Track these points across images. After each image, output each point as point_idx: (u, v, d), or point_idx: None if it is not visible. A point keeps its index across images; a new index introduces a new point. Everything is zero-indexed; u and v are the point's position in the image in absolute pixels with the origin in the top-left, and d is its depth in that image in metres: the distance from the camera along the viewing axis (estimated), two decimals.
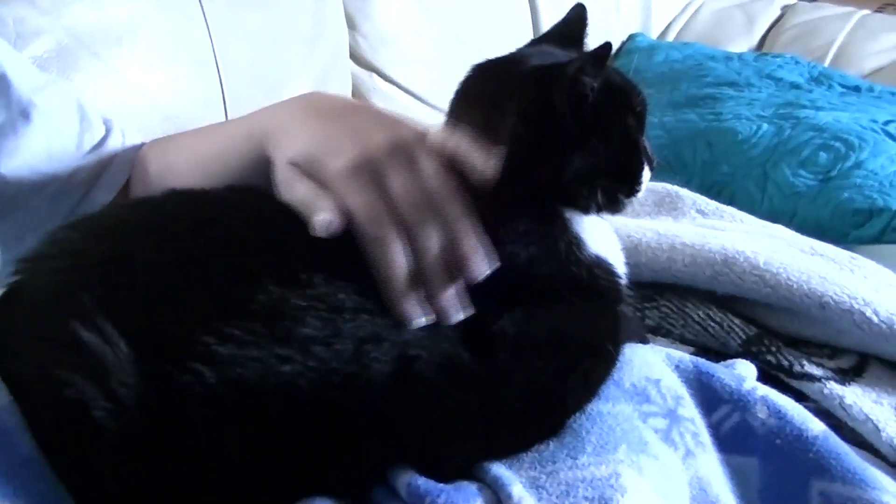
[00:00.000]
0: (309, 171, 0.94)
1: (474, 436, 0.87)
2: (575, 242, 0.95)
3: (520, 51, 1.06)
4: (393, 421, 0.83)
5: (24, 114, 1.17)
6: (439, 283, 0.87)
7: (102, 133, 1.27)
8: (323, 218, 0.87)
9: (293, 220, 0.91)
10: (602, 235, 0.99)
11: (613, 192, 0.98)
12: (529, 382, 0.88)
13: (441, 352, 0.85)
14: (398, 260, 0.87)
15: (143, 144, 1.27)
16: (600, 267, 0.96)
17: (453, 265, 0.88)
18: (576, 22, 1.10)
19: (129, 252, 0.86)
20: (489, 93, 1.00)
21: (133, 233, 0.89)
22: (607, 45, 0.93)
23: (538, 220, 0.94)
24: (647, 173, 1.01)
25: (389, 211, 0.89)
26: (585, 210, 0.97)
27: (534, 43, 1.11)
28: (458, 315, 0.86)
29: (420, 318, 0.85)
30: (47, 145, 1.20)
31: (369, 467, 0.85)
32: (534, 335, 0.89)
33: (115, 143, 1.26)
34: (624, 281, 1.01)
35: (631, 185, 0.99)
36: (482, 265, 0.88)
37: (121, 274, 0.84)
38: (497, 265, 0.88)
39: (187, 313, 0.81)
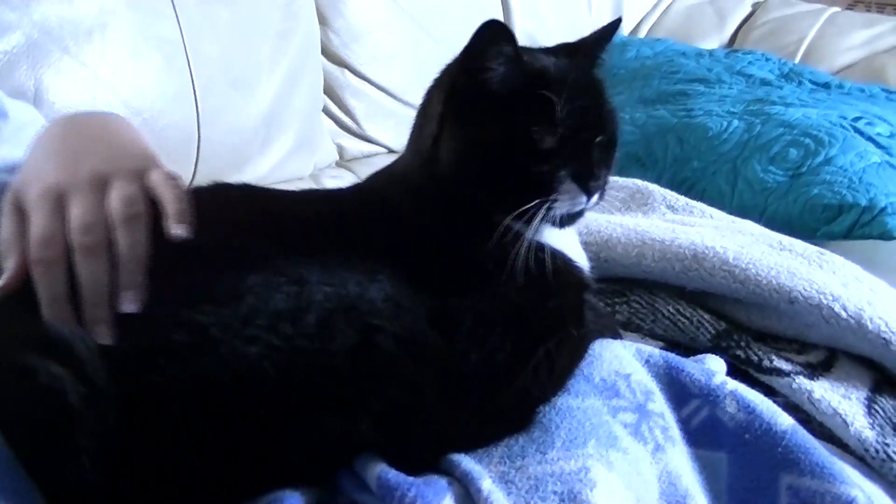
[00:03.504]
0: (19, 199, 0.93)
1: (434, 417, 0.87)
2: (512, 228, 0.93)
3: None
4: (353, 399, 0.83)
5: (2, 115, 1.18)
6: (93, 309, 0.85)
7: None
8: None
9: (243, 211, 0.92)
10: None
11: (520, 205, 0.92)
12: (485, 361, 0.88)
13: (403, 325, 0.85)
14: (53, 283, 0.86)
15: None
16: (542, 250, 0.95)
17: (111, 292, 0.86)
18: (602, 34, 1.06)
19: None
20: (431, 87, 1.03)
21: None
22: (492, 23, 0.91)
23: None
24: (570, 192, 0.94)
25: (59, 236, 0.88)
26: (490, 213, 0.93)
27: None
28: (106, 340, 0.83)
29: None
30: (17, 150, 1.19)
31: (332, 450, 0.85)
32: (488, 313, 0.89)
33: None
34: (580, 266, 1.01)
35: (534, 203, 0.92)
36: (131, 300, 0.85)
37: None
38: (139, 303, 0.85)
39: (144, 305, 0.82)
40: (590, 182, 0.94)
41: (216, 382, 0.80)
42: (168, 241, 0.86)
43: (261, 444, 0.82)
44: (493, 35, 0.91)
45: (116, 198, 0.90)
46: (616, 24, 1.05)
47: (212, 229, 0.88)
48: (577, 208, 0.95)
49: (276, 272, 0.84)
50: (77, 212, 0.89)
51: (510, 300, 0.91)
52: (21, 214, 0.91)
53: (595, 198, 0.96)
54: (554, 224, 0.95)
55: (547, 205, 0.92)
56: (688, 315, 1.19)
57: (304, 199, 1.02)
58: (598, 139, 0.96)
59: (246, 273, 0.83)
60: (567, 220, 0.97)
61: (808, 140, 1.98)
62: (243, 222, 0.90)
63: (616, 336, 1.09)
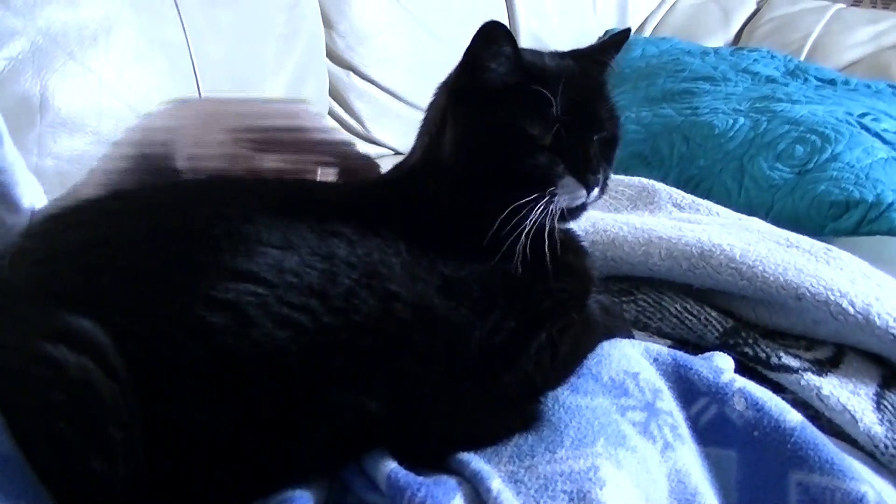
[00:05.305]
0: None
1: (440, 397, 0.88)
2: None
3: None
4: (366, 372, 0.84)
5: None
6: None
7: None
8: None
9: (267, 193, 0.93)
10: None
11: (520, 192, 0.93)
12: (487, 337, 0.89)
13: (416, 292, 0.87)
14: None
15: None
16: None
17: None
18: (611, 42, 1.06)
19: (107, 236, 0.87)
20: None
21: (110, 218, 0.90)
22: (490, 24, 0.93)
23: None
24: (569, 182, 0.95)
25: None
26: (501, 206, 0.93)
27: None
28: None
29: None
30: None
31: (346, 431, 0.85)
32: (491, 289, 0.90)
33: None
34: (579, 235, 1.03)
35: (532, 200, 0.93)
36: None
37: (101, 258, 0.84)
38: None
39: (176, 288, 0.82)
40: (588, 175, 0.95)
41: (242, 363, 0.80)
42: (199, 222, 0.88)
43: (278, 427, 0.83)
44: (492, 36, 0.93)
45: None
46: (626, 33, 1.05)
47: (228, 208, 0.89)
48: (578, 202, 0.96)
49: (311, 251, 0.85)
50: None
51: (512, 277, 0.92)
52: None
53: (595, 192, 0.97)
54: (555, 218, 0.95)
55: (546, 199, 0.93)
56: (695, 313, 1.19)
57: (326, 188, 1.06)
58: (597, 135, 0.97)
59: (285, 252, 0.84)
60: (569, 214, 0.97)
61: (814, 137, 1.99)
62: (271, 205, 0.91)
63: (628, 336, 1.09)
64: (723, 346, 1.14)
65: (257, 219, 0.87)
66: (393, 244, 0.90)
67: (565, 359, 0.94)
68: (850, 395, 1.06)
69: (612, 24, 3.14)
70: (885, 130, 2.07)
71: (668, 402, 0.95)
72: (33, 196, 1.21)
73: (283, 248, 0.84)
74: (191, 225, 0.87)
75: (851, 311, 1.09)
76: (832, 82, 2.50)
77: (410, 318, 0.86)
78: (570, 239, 1.00)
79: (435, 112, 1.02)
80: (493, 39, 0.93)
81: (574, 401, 0.91)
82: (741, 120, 2.13)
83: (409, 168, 1.03)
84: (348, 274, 0.85)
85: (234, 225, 0.86)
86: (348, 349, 0.83)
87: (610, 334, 1.03)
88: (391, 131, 2.48)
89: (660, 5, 3.32)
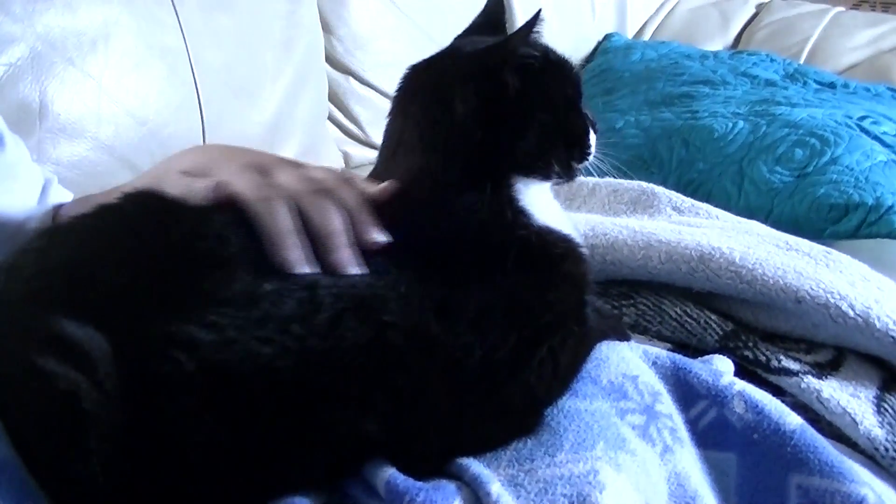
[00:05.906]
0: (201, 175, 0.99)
1: (440, 416, 0.87)
2: (522, 212, 0.96)
3: (451, 45, 1.10)
4: (361, 396, 0.83)
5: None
6: (331, 243, 0.90)
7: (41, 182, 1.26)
8: (203, 185, 0.93)
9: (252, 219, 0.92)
10: (549, 210, 1.01)
11: (566, 158, 1.03)
12: (488, 355, 0.88)
13: (411, 320, 0.86)
14: (282, 220, 0.90)
15: (61, 205, 1.25)
16: (551, 233, 0.97)
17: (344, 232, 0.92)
18: (494, 11, 1.15)
19: (99, 253, 0.87)
20: (431, 87, 1.03)
21: (102, 235, 0.90)
22: (537, 14, 0.98)
23: (485, 194, 0.95)
24: (593, 137, 1.05)
25: (276, 191, 0.93)
26: (545, 178, 1.01)
27: (460, 37, 1.14)
28: (352, 269, 0.88)
29: (304, 266, 0.87)
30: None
31: (339, 451, 0.85)
32: (490, 306, 0.89)
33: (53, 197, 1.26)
34: (579, 242, 1.02)
35: (581, 150, 1.04)
36: (375, 235, 0.91)
37: (93, 273, 0.84)
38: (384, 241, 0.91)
39: (163, 305, 0.81)
40: (595, 126, 1.07)
41: (231, 380, 0.80)
42: (172, 241, 0.87)
43: (270, 445, 0.82)
44: (535, 23, 0.98)
45: (318, 172, 0.99)
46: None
47: (212, 230, 0.88)
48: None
49: (289, 279, 0.84)
50: (288, 177, 0.96)
51: (514, 295, 0.91)
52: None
53: None
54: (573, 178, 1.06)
55: (586, 158, 1.05)
56: (695, 316, 1.19)
57: None
58: None
59: (262, 279, 0.83)
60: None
61: (813, 140, 1.98)
62: (245, 227, 0.90)
63: (624, 338, 1.09)
64: (723, 350, 1.14)
65: (233, 242, 0.87)
66: (387, 265, 0.89)
67: (566, 369, 0.94)
68: (850, 397, 1.06)
69: (610, 28, 3.13)
70: (884, 133, 2.06)
71: (668, 405, 0.95)
72: (31, 193, 1.22)
73: (260, 274, 0.84)
74: (172, 246, 0.86)
75: (851, 313, 1.09)
76: (831, 85, 2.50)
77: (405, 343, 0.85)
78: (571, 247, 1.00)
79: (442, 118, 0.99)
80: (533, 26, 0.98)
81: (573, 404, 0.91)
82: (740, 123, 2.12)
83: (404, 190, 0.99)
84: (332, 304, 0.84)
85: (211, 245, 0.86)
86: (339, 370, 0.82)
87: (604, 336, 1.03)
88: None
89: (659, 9, 3.31)
